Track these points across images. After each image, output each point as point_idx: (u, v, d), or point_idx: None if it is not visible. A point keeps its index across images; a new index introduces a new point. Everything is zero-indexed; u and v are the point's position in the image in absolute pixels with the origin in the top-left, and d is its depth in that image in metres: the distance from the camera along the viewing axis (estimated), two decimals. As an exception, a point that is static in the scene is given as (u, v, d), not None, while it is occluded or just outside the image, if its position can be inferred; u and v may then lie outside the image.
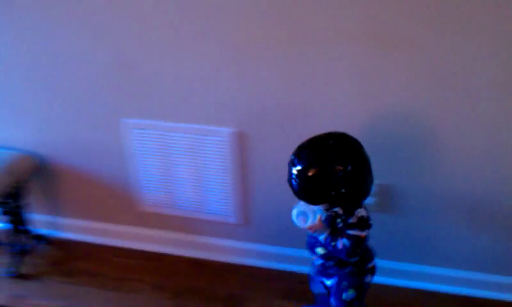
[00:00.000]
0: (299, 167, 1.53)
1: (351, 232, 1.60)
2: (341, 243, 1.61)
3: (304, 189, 1.55)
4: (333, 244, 1.62)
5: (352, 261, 1.69)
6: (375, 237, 2.10)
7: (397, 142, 1.91)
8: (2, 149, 2.34)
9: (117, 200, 2.39)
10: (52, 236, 2.60)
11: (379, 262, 2.17)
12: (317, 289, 1.88)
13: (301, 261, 2.24)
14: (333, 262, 1.71)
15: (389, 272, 2.17)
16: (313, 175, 1.51)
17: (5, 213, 2.31)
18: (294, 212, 1.63)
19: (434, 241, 2.07)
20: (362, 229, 1.62)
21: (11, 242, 2.39)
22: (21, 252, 2.42)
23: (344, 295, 1.75)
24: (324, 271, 1.77)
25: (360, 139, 1.62)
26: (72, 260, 2.46)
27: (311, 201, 1.58)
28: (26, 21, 2.04)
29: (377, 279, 2.19)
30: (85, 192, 2.42)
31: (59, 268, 2.41)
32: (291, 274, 2.27)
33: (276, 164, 2.04)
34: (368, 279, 1.77)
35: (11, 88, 2.22)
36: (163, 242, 2.44)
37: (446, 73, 1.73)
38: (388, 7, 1.67)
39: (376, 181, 1.96)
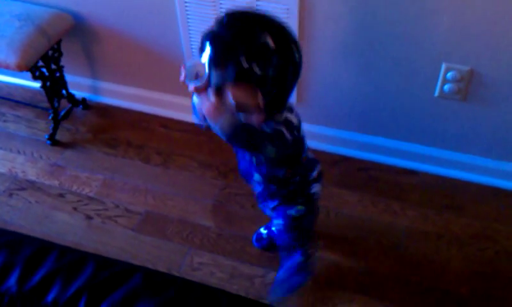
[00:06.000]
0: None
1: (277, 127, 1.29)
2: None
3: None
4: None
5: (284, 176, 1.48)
6: (450, 127, 1.96)
7: (479, 22, 1.68)
8: (35, 5, 2.18)
9: (164, 68, 2.25)
10: (92, 101, 2.52)
11: (452, 155, 2.05)
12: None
13: (361, 146, 2.15)
14: (274, 186, 1.51)
15: (462, 166, 2.06)
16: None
17: (41, 75, 2.20)
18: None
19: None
20: (287, 130, 1.30)
21: (48, 106, 2.31)
22: (58, 118, 2.35)
23: (292, 212, 1.57)
24: (265, 195, 1.57)
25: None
26: (114, 129, 2.39)
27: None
28: None
29: (446, 172, 2.09)
30: (128, 56, 2.29)
31: (100, 137, 2.35)
32: (348, 160, 2.17)
33: (342, 37, 1.86)
34: (315, 188, 1.57)
35: None
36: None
37: None
38: None
39: (456, 65, 1.78)
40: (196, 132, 2.33)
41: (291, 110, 1.36)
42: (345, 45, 1.89)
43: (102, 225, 2.00)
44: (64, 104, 2.41)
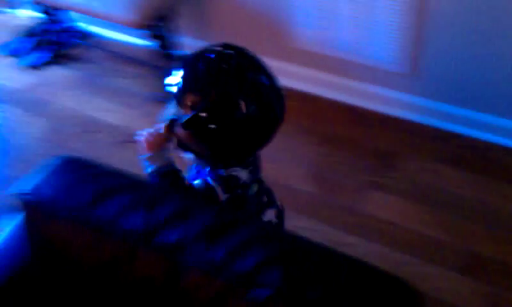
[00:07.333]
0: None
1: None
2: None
3: None
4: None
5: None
6: None
7: None
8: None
9: (271, 33, 2.28)
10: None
11: None
12: None
13: (473, 124, 2.07)
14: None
15: None
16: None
17: (153, 35, 2.30)
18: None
19: None
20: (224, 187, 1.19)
21: (159, 65, 2.41)
22: (169, 77, 2.44)
23: None
24: None
25: None
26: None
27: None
28: None
29: None
30: (240, 20, 2.33)
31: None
32: (456, 137, 2.10)
33: (462, 7, 1.78)
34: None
35: None
36: (317, 83, 2.33)
37: None
38: None
39: None
40: (301, 99, 2.35)
41: (251, 164, 1.26)
42: (464, 16, 1.81)
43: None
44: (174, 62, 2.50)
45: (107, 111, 2.42)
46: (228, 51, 1.12)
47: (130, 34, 2.73)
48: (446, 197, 1.92)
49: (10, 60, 2.76)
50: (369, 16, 1.96)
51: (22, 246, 1.02)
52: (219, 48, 1.12)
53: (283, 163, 2.10)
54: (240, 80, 1.09)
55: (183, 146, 1.13)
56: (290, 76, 2.37)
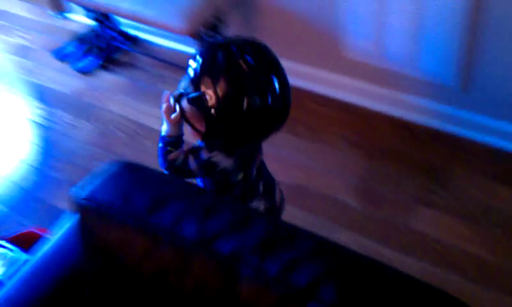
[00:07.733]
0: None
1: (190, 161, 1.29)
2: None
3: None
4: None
5: None
6: None
7: None
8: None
9: (320, 43, 2.26)
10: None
11: None
12: None
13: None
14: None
15: None
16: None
17: (202, 43, 2.32)
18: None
19: None
20: (202, 169, 1.29)
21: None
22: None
23: None
24: None
25: None
26: (265, 100, 2.46)
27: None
28: None
29: None
30: (286, 30, 2.33)
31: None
32: (509, 154, 2.03)
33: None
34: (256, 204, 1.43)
35: None
36: (366, 95, 2.30)
37: None
38: None
39: None
40: (346, 110, 2.32)
41: (237, 154, 1.29)
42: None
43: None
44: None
45: (154, 117, 2.44)
46: (249, 49, 1.16)
47: (178, 42, 2.77)
48: (495, 216, 1.86)
49: (61, 65, 2.84)
50: (421, 29, 1.93)
51: (75, 250, 1.04)
52: (241, 44, 1.17)
53: (329, 175, 2.09)
54: (253, 80, 1.13)
55: (185, 118, 1.23)
56: (337, 87, 2.36)
